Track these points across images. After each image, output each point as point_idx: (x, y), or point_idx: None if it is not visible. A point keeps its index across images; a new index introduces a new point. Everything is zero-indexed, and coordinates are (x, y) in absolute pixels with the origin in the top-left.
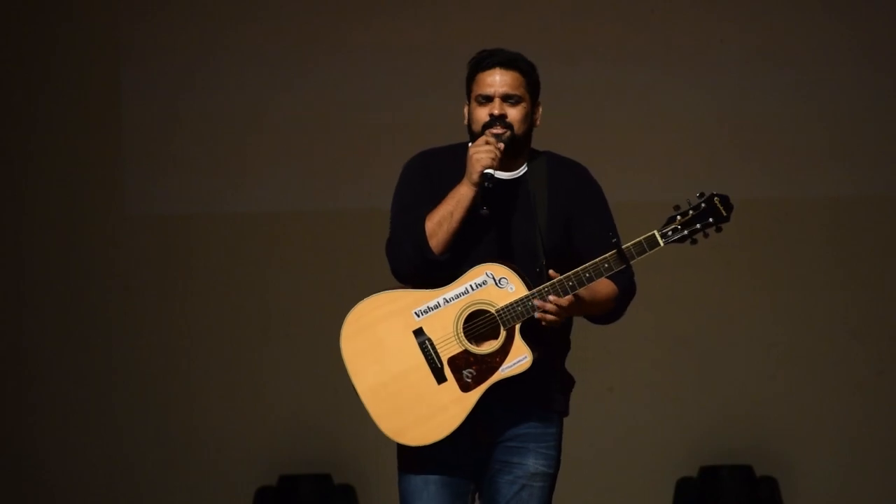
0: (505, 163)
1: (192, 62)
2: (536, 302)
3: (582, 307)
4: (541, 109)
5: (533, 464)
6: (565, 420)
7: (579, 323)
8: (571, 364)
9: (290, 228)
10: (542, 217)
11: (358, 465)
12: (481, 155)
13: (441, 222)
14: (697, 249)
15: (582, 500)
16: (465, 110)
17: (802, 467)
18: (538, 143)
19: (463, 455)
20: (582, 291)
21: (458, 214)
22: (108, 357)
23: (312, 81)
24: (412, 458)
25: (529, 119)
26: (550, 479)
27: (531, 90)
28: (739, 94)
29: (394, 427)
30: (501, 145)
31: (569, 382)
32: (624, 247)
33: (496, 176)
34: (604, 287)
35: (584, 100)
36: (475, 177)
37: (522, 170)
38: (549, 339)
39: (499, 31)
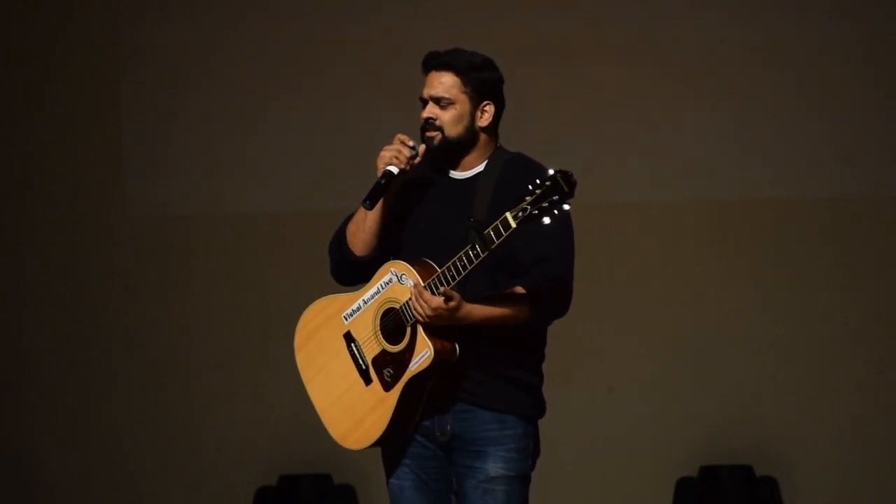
0: (459, 163)
1: (192, 62)
2: (412, 302)
3: (469, 316)
4: (491, 108)
5: (492, 467)
6: (565, 420)
7: (578, 323)
8: (572, 363)
9: (290, 228)
10: (479, 212)
11: (358, 465)
12: (384, 153)
13: (357, 223)
14: (698, 250)
15: (581, 500)
16: None
17: (802, 467)
18: (538, 141)
19: (434, 458)
20: (467, 305)
21: (373, 215)
22: (108, 357)
23: (312, 81)
24: (388, 463)
25: (465, 120)
26: (514, 482)
27: (471, 90)
28: (739, 94)
29: (339, 433)
30: (412, 143)
31: (529, 383)
32: (485, 232)
33: (452, 175)
34: (507, 299)
35: (584, 100)
36: (378, 175)
37: (476, 169)
38: (484, 339)
39: (499, 31)
